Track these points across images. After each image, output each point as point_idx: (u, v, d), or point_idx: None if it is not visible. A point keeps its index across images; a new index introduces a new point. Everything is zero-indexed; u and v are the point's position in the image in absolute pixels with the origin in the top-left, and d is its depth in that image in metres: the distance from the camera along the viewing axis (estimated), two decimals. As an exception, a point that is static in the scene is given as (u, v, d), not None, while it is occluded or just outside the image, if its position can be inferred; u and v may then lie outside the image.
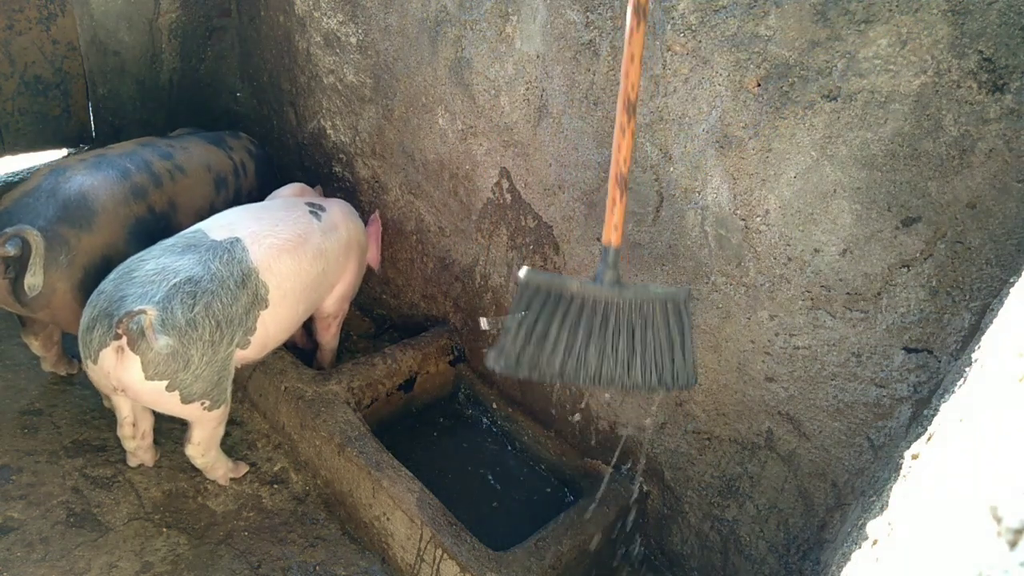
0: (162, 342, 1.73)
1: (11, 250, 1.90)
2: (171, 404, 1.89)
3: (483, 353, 2.65)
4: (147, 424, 2.13)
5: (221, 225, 2.08)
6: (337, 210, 2.44)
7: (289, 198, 2.44)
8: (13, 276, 1.97)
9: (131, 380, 1.80)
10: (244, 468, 2.29)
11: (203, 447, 2.08)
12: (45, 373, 2.42)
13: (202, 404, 1.94)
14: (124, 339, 1.74)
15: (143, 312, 1.70)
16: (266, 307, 2.05)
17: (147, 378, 1.79)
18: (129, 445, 2.12)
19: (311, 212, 2.32)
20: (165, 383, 1.82)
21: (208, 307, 1.86)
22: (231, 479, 2.25)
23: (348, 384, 2.37)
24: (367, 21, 2.54)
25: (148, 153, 2.38)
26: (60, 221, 2.03)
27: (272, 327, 2.10)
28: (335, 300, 2.48)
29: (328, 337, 2.61)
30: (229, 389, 2.02)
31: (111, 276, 1.89)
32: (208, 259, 1.93)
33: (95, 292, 1.86)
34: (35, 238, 1.89)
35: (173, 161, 2.43)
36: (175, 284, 1.83)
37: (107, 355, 1.79)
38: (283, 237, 2.14)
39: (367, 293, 3.04)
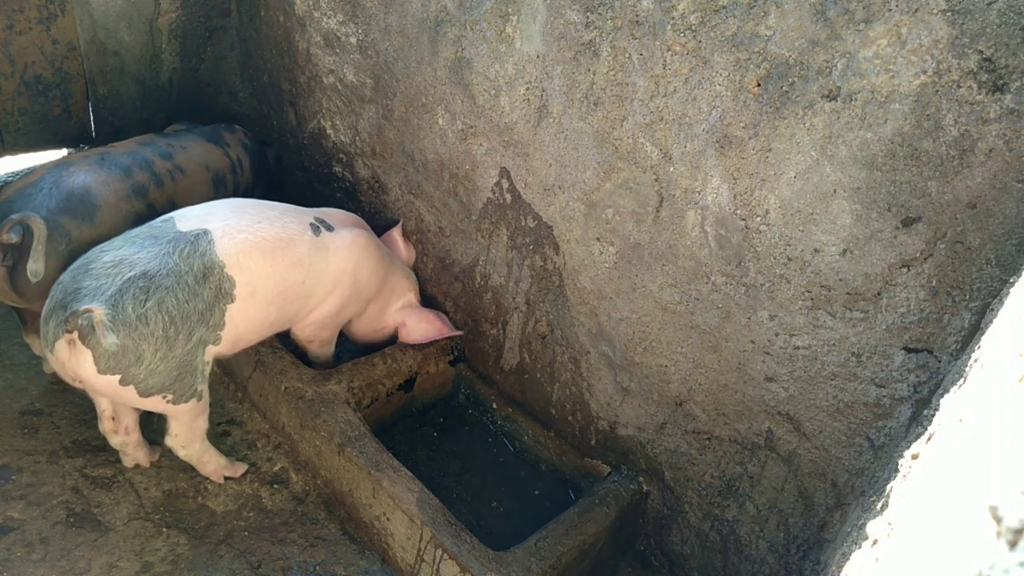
0: (110, 339, 1.72)
1: (14, 237, 1.94)
2: (130, 397, 1.87)
3: (483, 353, 2.65)
4: (129, 420, 2.10)
5: (195, 215, 2.02)
6: (344, 239, 2.30)
7: (299, 208, 2.34)
8: (11, 264, 2.00)
9: (85, 373, 1.80)
10: (243, 468, 2.28)
11: (182, 439, 2.07)
12: (45, 373, 2.42)
13: (163, 397, 1.91)
14: (76, 334, 1.74)
15: (89, 311, 1.71)
16: (232, 302, 1.98)
17: (99, 372, 1.79)
18: (113, 441, 2.11)
19: (311, 224, 2.24)
20: (118, 377, 1.81)
21: (161, 303, 1.82)
22: (229, 478, 2.24)
23: (348, 384, 2.37)
24: (367, 21, 2.54)
25: (149, 152, 2.42)
26: (62, 212, 2.07)
27: (242, 324, 2.04)
28: (310, 326, 2.37)
29: (312, 354, 2.54)
30: (201, 385, 1.99)
31: (72, 266, 1.87)
32: (168, 252, 1.88)
33: (55, 283, 1.85)
34: (38, 225, 1.92)
35: (173, 161, 2.47)
36: (129, 278, 1.80)
37: (61, 347, 1.78)
38: (260, 235, 2.06)
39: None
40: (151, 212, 2.30)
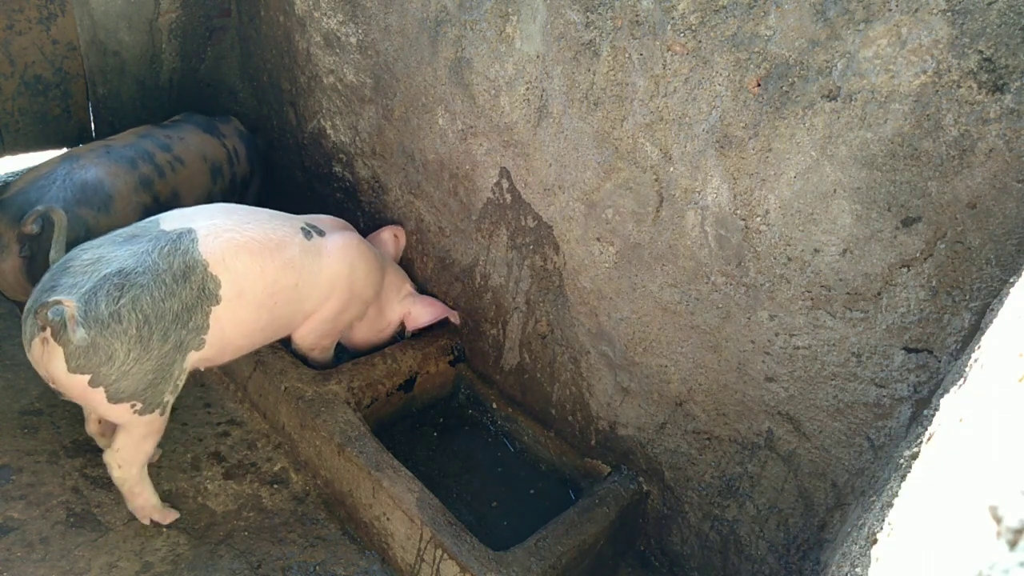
0: (79, 334, 1.68)
1: (36, 228, 2.00)
2: (98, 402, 1.81)
3: (483, 353, 2.65)
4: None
5: (182, 215, 1.99)
6: (336, 243, 2.27)
7: (288, 215, 2.30)
8: (28, 255, 2.02)
9: (56, 372, 1.76)
10: (173, 516, 2.07)
11: (122, 456, 1.93)
12: (45, 373, 2.42)
13: (132, 406, 1.84)
14: (48, 331, 1.71)
15: (59, 303, 1.67)
16: (217, 303, 1.93)
17: (69, 371, 1.74)
18: (102, 443, 2.09)
19: (303, 229, 2.21)
20: (88, 377, 1.76)
21: (135, 301, 1.77)
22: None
23: (348, 384, 2.37)
24: (367, 21, 2.54)
25: (149, 144, 2.48)
26: (79, 203, 2.13)
27: (229, 328, 1.98)
28: (311, 333, 2.33)
29: (312, 360, 2.51)
30: (169, 396, 1.91)
31: (54, 265, 1.85)
32: (147, 250, 1.84)
33: (39, 282, 1.83)
34: (60, 216, 1.96)
35: (172, 153, 2.54)
36: (105, 275, 1.76)
37: (36, 346, 1.75)
38: (248, 235, 2.02)
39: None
40: (156, 204, 2.34)
